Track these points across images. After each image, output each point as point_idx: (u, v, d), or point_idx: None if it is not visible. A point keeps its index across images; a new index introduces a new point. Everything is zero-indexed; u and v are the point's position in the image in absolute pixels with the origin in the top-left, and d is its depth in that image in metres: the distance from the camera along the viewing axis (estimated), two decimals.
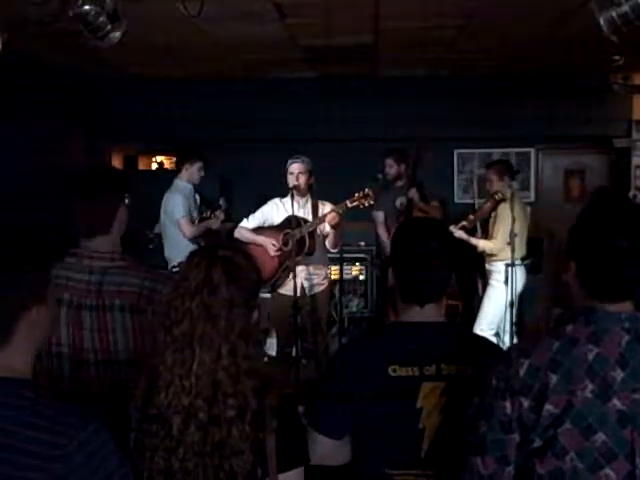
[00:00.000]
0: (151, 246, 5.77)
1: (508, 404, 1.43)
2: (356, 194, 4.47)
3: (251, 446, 1.47)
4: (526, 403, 1.41)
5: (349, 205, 4.45)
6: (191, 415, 1.47)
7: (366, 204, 4.48)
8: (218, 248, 1.61)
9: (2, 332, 1.29)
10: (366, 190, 4.46)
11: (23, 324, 1.31)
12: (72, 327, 2.04)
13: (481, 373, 1.56)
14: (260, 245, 4.64)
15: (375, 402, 1.75)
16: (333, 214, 4.42)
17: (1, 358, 1.29)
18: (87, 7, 3.23)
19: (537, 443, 1.39)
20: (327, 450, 1.80)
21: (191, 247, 5.22)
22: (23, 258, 1.34)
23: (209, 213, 5.55)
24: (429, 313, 1.83)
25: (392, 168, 5.85)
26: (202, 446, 1.46)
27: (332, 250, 4.80)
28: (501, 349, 2.06)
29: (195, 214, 5.47)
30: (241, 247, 1.78)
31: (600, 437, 1.36)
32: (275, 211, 4.75)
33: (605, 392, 1.38)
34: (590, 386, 1.38)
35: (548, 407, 1.38)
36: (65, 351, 2.04)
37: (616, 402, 1.37)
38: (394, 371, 1.75)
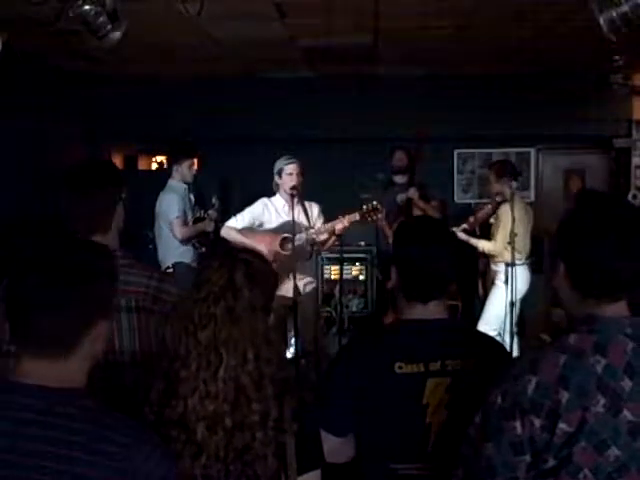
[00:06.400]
0: (151, 246, 5.76)
1: (518, 424, 1.36)
2: (364, 206, 4.45)
3: (274, 450, 1.47)
4: (537, 422, 1.34)
5: (358, 218, 4.44)
6: (216, 421, 1.46)
7: (374, 218, 4.47)
8: (237, 250, 1.62)
9: (69, 344, 1.28)
10: (374, 203, 4.44)
11: (89, 337, 1.31)
12: None
13: (484, 370, 1.56)
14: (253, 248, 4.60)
15: (381, 399, 1.76)
16: (344, 225, 4.42)
17: (64, 369, 1.28)
18: (87, 7, 3.23)
19: (551, 463, 1.33)
20: (332, 447, 1.81)
21: (183, 249, 5.25)
22: (98, 268, 1.33)
23: (202, 213, 5.52)
24: (432, 310, 1.84)
25: (402, 161, 5.99)
26: (225, 452, 1.46)
27: (327, 252, 4.78)
28: (503, 346, 2.07)
29: (189, 215, 5.44)
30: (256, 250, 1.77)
31: (613, 452, 1.31)
32: (266, 211, 4.66)
33: (616, 404, 1.33)
34: (602, 400, 1.33)
35: (562, 426, 1.32)
36: None
37: (627, 413, 1.32)
38: (400, 368, 1.76)
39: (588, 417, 1.32)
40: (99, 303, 1.32)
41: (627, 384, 1.34)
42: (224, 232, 4.67)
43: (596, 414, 1.32)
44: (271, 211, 4.65)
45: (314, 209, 4.63)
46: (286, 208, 4.50)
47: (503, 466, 1.37)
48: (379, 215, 4.49)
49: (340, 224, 4.42)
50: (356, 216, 4.44)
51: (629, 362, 1.36)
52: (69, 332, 1.28)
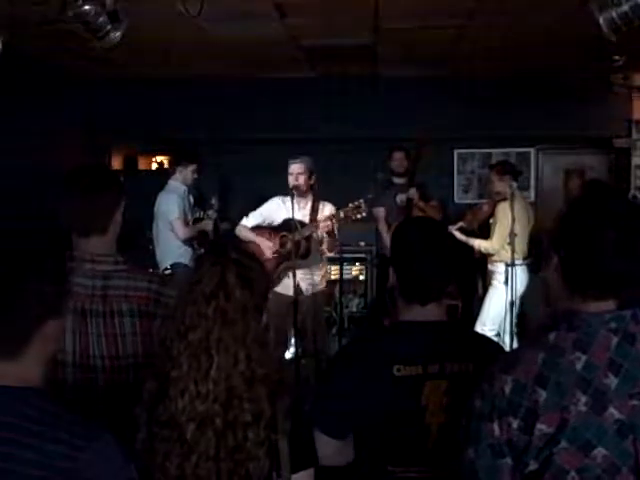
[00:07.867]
0: (151, 246, 5.77)
1: (496, 426, 1.31)
2: (350, 204, 4.48)
3: (266, 450, 1.46)
4: (515, 423, 1.29)
5: (342, 215, 4.47)
6: (206, 421, 1.45)
7: (358, 216, 4.49)
8: (229, 250, 1.60)
9: (18, 344, 1.28)
10: (360, 201, 4.47)
11: (38, 337, 1.30)
12: (77, 334, 1.99)
13: (481, 372, 1.55)
14: (258, 245, 4.67)
15: (380, 402, 1.75)
16: (326, 223, 4.45)
17: (14, 369, 1.28)
18: (87, 7, 3.24)
19: (533, 466, 1.28)
20: (330, 450, 1.80)
21: (182, 250, 5.26)
22: (43, 268, 1.32)
23: (201, 213, 5.55)
24: (431, 312, 1.83)
25: (401, 162, 5.96)
26: (216, 452, 1.45)
27: (329, 254, 4.81)
28: (502, 347, 2.05)
29: (189, 215, 5.46)
30: (248, 249, 1.77)
31: (600, 452, 1.25)
32: (277, 210, 4.75)
33: (600, 402, 1.26)
34: (583, 398, 1.27)
35: (540, 426, 1.27)
36: (69, 359, 2.00)
37: (613, 411, 1.26)
38: (398, 370, 1.75)
39: (568, 417, 1.27)
40: (47, 303, 1.31)
41: (612, 381, 1.27)
42: (237, 230, 4.86)
43: (578, 413, 1.27)
44: (282, 209, 4.71)
45: (326, 209, 4.64)
46: (296, 206, 4.55)
47: (485, 471, 1.33)
48: (363, 213, 4.50)
49: (323, 222, 4.46)
50: (339, 214, 4.47)
51: (612, 358, 1.29)
52: (17, 332, 1.28)
